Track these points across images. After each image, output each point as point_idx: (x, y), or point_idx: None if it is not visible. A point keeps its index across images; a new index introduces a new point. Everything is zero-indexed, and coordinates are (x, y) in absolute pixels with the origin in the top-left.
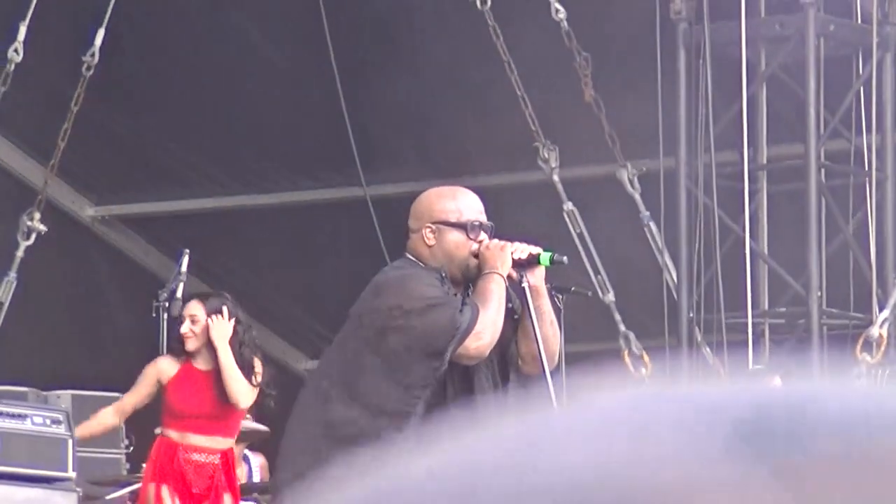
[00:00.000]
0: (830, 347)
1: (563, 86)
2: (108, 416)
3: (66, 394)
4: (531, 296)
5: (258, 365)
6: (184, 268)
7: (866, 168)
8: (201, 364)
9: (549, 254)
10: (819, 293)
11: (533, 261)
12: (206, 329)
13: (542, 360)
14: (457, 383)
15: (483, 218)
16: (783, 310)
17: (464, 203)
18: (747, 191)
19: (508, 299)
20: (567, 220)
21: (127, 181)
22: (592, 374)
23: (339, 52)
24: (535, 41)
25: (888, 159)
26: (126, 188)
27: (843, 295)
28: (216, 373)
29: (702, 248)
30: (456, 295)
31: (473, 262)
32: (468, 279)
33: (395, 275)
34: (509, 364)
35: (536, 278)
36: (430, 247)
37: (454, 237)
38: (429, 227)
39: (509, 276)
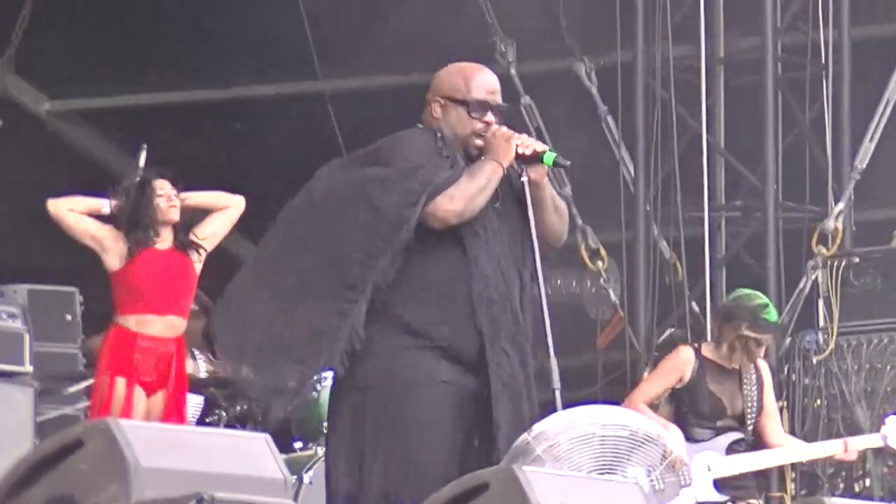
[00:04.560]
0: (786, 240)
1: None
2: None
3: (23, 288)
4: (530, 189)
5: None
6: (142, 163)
7: (823, 62)
8: (160, 244)
9: (553, 155)
10: (775, 186)
11: (536, 158)
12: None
13: (534, 250)
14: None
15: (494, 98)
16: (739, 203)
17: (474, 81)
18: (704, 84)
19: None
20: (524, 113)
21: (84, 75)
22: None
23: None
24: None
25: (844, 53)
26: (82, 82)
27: (800, 188)
28: (173, 251)
29: (659, 141)
30: (447, 157)
31: (476, 141)
32: (469, 157)
33: (389, 139)
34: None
35: (537, 174)
36: (436, 119)
37: (457, 114)
38: (437, 100)
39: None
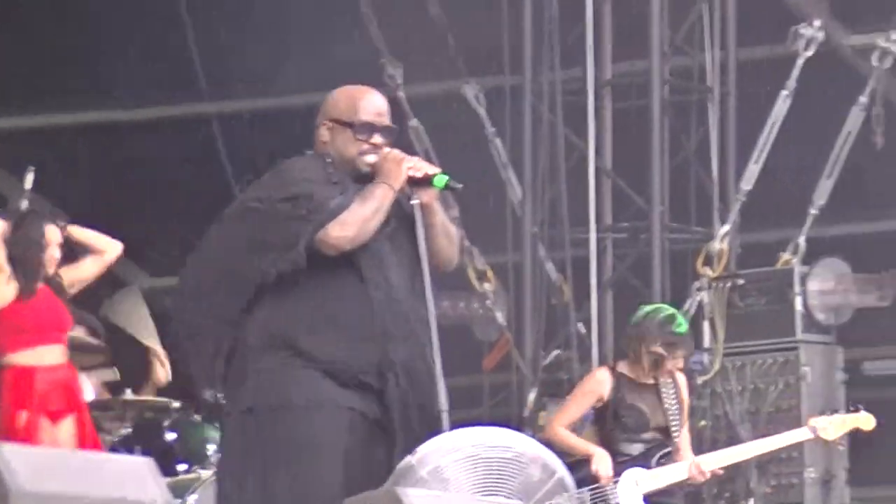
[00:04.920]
0: (672, 262)
1: (408, 2)
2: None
3: None
4: (421, 213)
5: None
6: (28, 185)
7: (709, 84)
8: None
9: (445, 178)
10: (661, 208)
11: (427, 181)
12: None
13: (424, 275)
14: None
15: (381, 120)
16: (626, 224)
17: (361, 103)
18: (592, 107)
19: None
20: (412, 136)
21: None
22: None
23: None
24: None
25: (730, 76)
26: None
27: (686, 210)
28: (45, 286)
29: (546, 163)
30: (336, 183)
31: (365, 159)
32: (359, 180)
33: (276, 166)
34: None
35: (428, 196)
36: (324, 143)
37: (344, 136)
38: (325, 123)
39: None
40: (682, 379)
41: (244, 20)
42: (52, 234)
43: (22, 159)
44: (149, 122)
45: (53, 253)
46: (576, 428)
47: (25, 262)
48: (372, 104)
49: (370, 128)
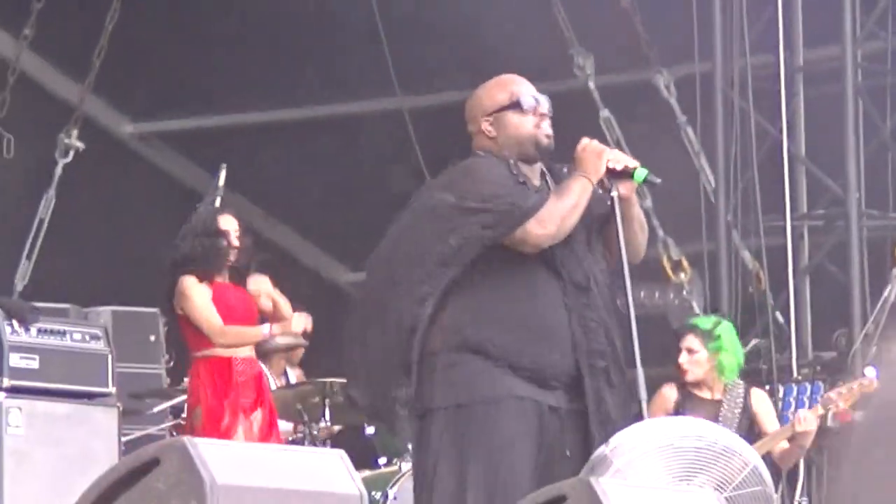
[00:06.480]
0: (870, 248)
1: None
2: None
3: (106, 310)
4: (620, 205)
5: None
6: (221, 182)
7: None
8: (226, 277)
9: (644, 171)
10: (858, 194)
11: (627, 174)
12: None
13: (624, 269)
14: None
15: (534, 92)
16: (822, 212)
17: (511, 85)
18: (784, 93)
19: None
20: (603, 127)
21: (164, 98)
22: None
23: None
24: None
25: None
26: (163, 105)
27: (883, 195)
28: (241, 286)
29: (739, 151)
30: (524, 183)
31: (542, 134)
32: (544, 153)
33: (459, 169)
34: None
35: (627, 189)
36: (493, 139)
37: (513, 118)
38: (486, 119)
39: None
40: (759, 396)
41: (433, 21)
42: (227, 223)
43: (214, 157)
44: (341, 117)
45: (232, 241)
46: None
47: (204, 259)
48: (521, 82)
49: (534, 99)
